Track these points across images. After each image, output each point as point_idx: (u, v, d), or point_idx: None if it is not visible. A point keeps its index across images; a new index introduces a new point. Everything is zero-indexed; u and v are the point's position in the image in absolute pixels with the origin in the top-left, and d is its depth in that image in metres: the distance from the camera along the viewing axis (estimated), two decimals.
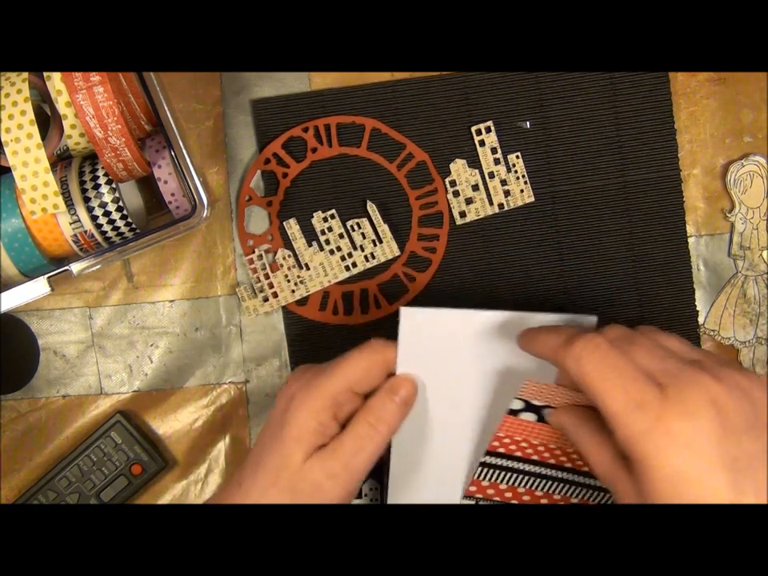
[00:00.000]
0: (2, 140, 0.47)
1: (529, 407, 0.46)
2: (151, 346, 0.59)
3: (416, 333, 0.48)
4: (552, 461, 0.49)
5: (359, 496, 0.57)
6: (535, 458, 0.49)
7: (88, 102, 0.47)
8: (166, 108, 0.51)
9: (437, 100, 0.58)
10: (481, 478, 0.50)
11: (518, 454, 0.49)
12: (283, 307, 0.59)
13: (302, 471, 0.45)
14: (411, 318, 0.48)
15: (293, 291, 0.58)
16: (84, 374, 0.60)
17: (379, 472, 0.57)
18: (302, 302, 0.59)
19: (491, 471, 0.50)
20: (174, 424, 0.60)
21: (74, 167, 0.52)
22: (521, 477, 0.50)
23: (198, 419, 0.60)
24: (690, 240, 0.58)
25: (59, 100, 0.48)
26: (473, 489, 0.51)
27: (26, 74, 0.49)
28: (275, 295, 0.58)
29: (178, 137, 0.51)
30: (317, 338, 0.59)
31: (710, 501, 0.35)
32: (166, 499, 0.60)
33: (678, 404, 0.36)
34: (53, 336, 0.60)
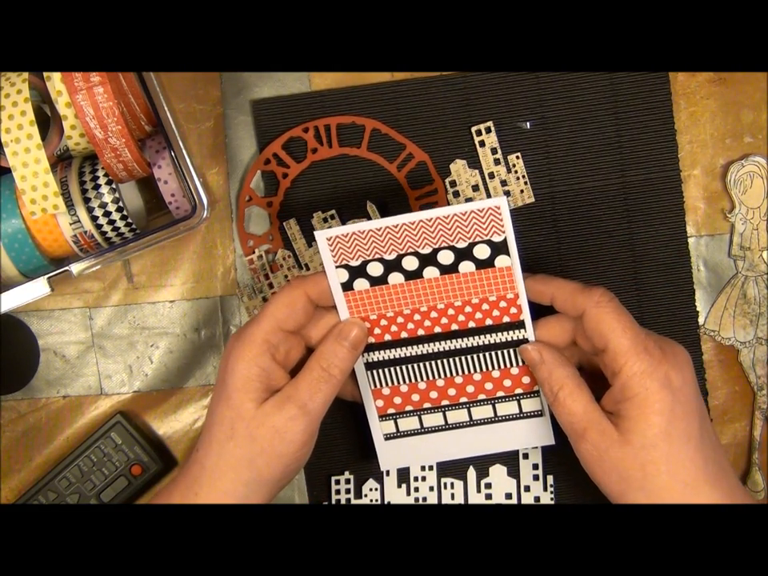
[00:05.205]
0: (2, 140, 0.47)
1: (354, 272, 0.45)
2: (151, 346, 0.59)
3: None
4: (422, 331, 0.49)
5: (359, 496, 0.57)
6: (405, 335, 0.49)
7: (88, 102, 0.47)
8: (166, 108, 0.51)
9: (437, 100, 0.58)
10: (377, 385, 0.51)
11: (388, 337, 0.49)
12: None
13: (257, 418, 0.46)
14: (327, 239, 0.47)
15: None
16: (84, 374, 0.60)
17: (380, 472, 0.57)
18: None
19: (378, 371, 0.50)
20: (174, 424, 0.60)
21: (74, 167, 0.52)
22: (409, 366, 0.50)
23: (198, 419, 0.60)
24: (690, 240, 0.58)
25: (59, 100, 0.48)
26: (380, 404, 0.51)
27: (26, 74, 0.49)
28: None
29: (178, 137, 0.51)
30: None
31: (689, 436, 0.44)
32: None
33: (671, 358, 0.44)
34: (53, 336, 0.59)
